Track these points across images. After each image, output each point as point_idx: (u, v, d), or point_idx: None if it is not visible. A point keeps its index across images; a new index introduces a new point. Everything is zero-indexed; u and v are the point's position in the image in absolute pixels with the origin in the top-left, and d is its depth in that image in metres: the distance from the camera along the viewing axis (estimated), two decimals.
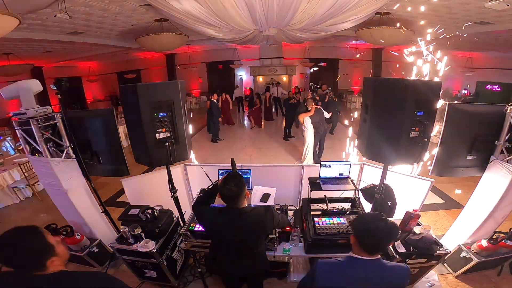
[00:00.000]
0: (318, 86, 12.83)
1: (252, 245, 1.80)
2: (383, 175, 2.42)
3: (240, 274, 1.91)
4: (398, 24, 5.57)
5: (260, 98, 9.99)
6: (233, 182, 1.63)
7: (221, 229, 1.73)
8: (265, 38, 7.55)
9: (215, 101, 8.02)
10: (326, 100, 8.33)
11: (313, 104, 5.67)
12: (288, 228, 2.32)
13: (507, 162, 2.34)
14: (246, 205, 1.76)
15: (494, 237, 2.49)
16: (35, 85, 2.53)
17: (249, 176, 2.90)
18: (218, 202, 1.91)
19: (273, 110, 12.22)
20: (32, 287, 1.15)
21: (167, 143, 2.24)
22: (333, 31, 6.38)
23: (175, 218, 2.72)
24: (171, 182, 2.61)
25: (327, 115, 6.07)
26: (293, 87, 13.57)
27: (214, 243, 1.95)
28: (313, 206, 2.45)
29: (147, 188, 3.03)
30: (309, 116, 5.54)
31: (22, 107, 2.43)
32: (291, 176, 3.25)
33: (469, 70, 11.09)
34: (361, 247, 1.28)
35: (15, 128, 2.49)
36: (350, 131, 4.12)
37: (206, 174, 2.56)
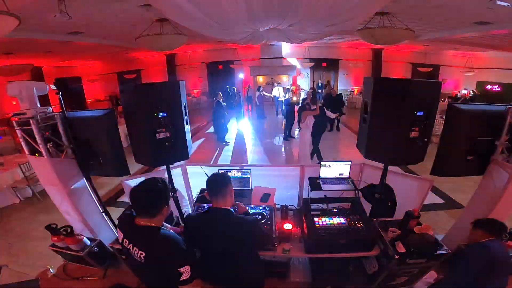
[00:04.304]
0: (317, 89, 12.88)
1: (236, 251, 1.67)
2: (383, 175, 2.42)
3: (225, 285, 1.74)
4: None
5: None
6: (219, 174, 1.90)
7: (205, 230, 1.66)
8: (265, 38, 7.53)
9: (221, 101, 7.73)
10: (334, 96, 8.43)
11: (317, 104, 5.74)
12: (288, 228, 2.32)
13: (507, 162, 2.34)
14: (231, 207, 1.72)
15: None
16: (41, 88, 2.52)
17: (249, 176, 2.90)
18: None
19: (274, 110, 12.26)
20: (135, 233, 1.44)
21: (167, 143, 2.24)
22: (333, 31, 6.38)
23: (175, 218, 2.71)
24: (171, 182, 2.61)
25: (331, 115, 6.12)
26: (293, 87, 13.57)
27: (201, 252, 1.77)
28: (313, 206, 2.44)
29: None
30: (314, 116, 5.58)
31: (23, 106, 2.41)
32: (291, 176, 3.25)
33: (469, 70, 11.09)
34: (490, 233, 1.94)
35: (15, 128, 2.49)
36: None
37: (206, 174, 2.56)
